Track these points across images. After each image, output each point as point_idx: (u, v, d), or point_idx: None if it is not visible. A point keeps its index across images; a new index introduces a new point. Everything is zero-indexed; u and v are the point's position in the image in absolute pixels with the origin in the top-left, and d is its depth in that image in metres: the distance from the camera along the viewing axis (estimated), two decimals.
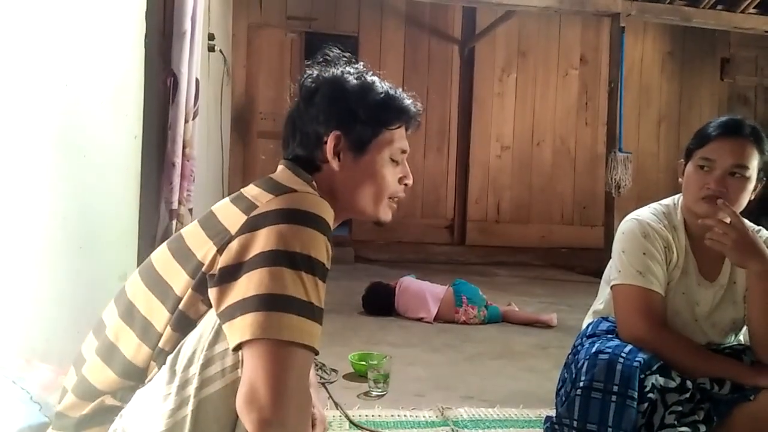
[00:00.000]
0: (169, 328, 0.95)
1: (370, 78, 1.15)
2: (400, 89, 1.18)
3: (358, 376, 2.19)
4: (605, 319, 1.72)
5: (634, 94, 6.36)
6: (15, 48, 1.32)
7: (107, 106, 1.91)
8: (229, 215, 0.96)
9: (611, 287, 1.66)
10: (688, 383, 1.49)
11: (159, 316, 0.96)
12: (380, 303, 3.27)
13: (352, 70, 1.15)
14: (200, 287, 0.93)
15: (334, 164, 1.08)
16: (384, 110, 1.12)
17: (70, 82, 1.59)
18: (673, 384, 1.48)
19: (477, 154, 6.24)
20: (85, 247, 1.70)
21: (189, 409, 0.88)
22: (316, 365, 2.23)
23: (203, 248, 0.94)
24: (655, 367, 1.49)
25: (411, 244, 6.04)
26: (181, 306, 0.94)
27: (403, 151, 1.16)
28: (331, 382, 2.12)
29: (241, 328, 0.85)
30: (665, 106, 6.57)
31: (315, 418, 1.23)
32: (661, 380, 1.47)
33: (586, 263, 5.15)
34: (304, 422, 0.90)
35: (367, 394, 2.03)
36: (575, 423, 1.48)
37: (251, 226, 0.91)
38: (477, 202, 6.25)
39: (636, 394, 1.44)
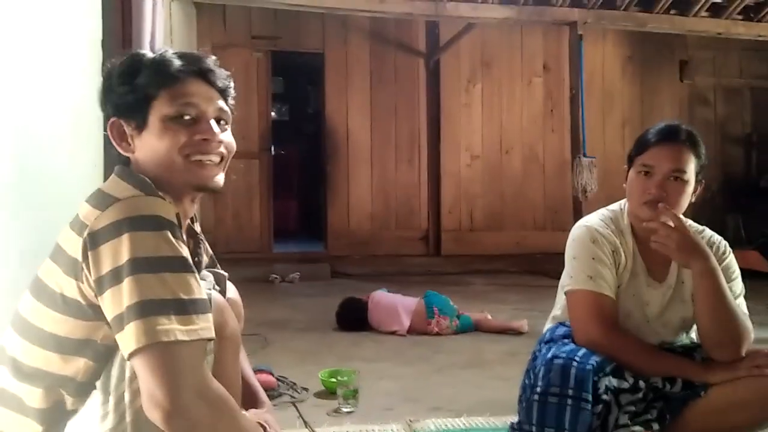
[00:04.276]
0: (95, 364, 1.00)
1: (135, 54, 1.11)
2: (173, 51, 1.11)
3: (329, 393, 2.20)
4: (562, 324, 1.76)
5: (597, 99, 6.50)
6: None
7: (65, 140, 1.92)
8: (71, 242, 0.98)
9: (565, 293, 1.71)
10: (641, 383, 1.54)
11: (79, 366, 1.00)
12: (353, 318, 3.29)
13: (122, 59, 1.11)
14: (101, 318, 0.96)
15: (122, 150, 1.09)
16: (146, 78, 1.06)
17: (26, 121, 1.60)
18: (626, 385, 1.53)
19: (447, 164, 6.31)
20: None
21: (128, 420, 0.95)
22: (287, 385, 2.24)
23: (68, 284, 0.97)
24: (608, 369, 1.53)
25: (387, 257, 6.07)
26: (105, 345, 0.98)
27: (189, 105, 1.07)
28: (302, 401, 2.13)
29: (122, 343, 0.91)
30: (628, 109, 6.72)
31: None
32: (614, 382, 1.52)
33: (559, 267, 5.10)
34: (212, 406, 0.94)
35: (337, 410, 2.05)
36: (534, 428, 1.52)
37: (89, 246, 0.94)
38: (450, 212, 6.32)
39: (590, 396, 1.47)
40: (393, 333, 3.17)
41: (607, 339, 1.58)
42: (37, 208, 1.69)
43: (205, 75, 1.11)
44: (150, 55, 1.10)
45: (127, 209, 0.96)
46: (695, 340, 1.77)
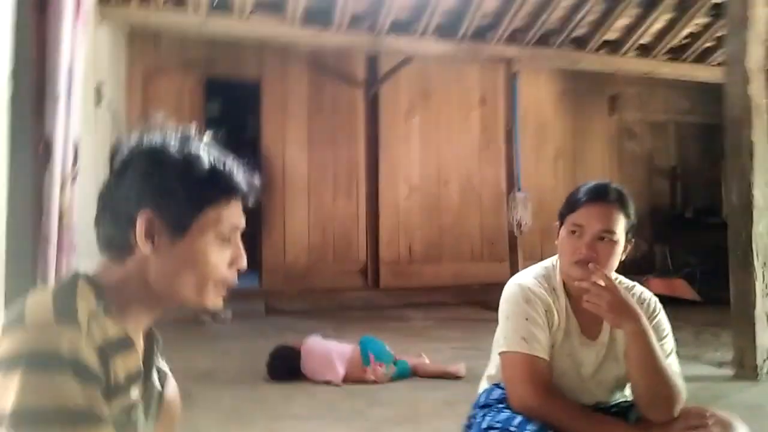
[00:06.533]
0: None
1: (195, 149, 0.96)
2: (231, 160, 0.99)
3: None
4: (497, 386, 1.71)
5: (531, 133, 6.64)
6: None
7: None
8: None
9: (498, 354, 1.66)
10: None
11: None
12: (286, 368, 3.13)
13: (175, 139, 0.97)
14: None
15: (146, 249, 0.91)
16: (209, 187, 0.94)
17: None
18: None
19: (386, 196, 6.28)
20: None
21: None
22: None
23: None
24: None
25: (324, 291, 5.95)
26: None
27: (236, 228, 0.98)
28: None
29: None
30: (561, 143, 6.91)
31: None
32: None
33: (498, 298, 5.22)
34: None
35: None
36: None
37: None
38: (388, 244, 6.27)
39: None
40: (327, 382, 3.04)
41: (540, 403, 1.54)
42: None
43: (244, 198, 0.99)
44: (210, 156, 0.96)
45: (28, 341, 0.79)
46: (629, 398, 1.75)
